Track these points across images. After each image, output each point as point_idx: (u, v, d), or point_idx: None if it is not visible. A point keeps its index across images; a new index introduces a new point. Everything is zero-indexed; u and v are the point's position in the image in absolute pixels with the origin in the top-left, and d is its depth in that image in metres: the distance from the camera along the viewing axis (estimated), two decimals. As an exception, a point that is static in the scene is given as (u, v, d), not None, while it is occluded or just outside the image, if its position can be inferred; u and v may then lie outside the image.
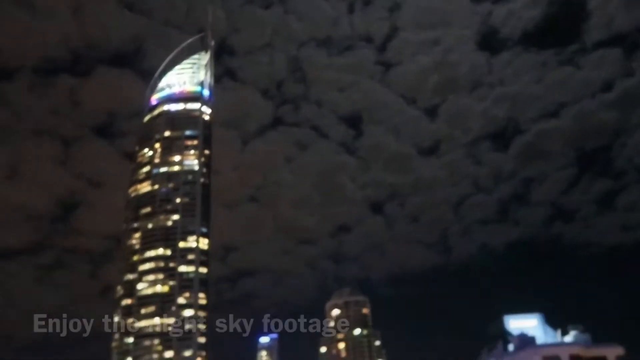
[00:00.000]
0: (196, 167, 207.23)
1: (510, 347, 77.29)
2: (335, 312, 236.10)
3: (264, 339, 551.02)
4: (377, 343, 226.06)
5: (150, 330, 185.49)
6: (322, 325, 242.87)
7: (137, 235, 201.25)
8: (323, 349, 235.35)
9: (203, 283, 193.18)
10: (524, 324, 79.94)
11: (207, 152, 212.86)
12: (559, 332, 78.00)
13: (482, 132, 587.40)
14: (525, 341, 74.93)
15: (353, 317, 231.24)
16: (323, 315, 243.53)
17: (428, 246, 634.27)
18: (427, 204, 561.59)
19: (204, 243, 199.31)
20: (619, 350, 69.42)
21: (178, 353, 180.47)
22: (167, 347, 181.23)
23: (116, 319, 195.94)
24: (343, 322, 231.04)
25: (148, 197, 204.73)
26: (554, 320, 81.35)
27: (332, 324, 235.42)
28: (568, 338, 75.16)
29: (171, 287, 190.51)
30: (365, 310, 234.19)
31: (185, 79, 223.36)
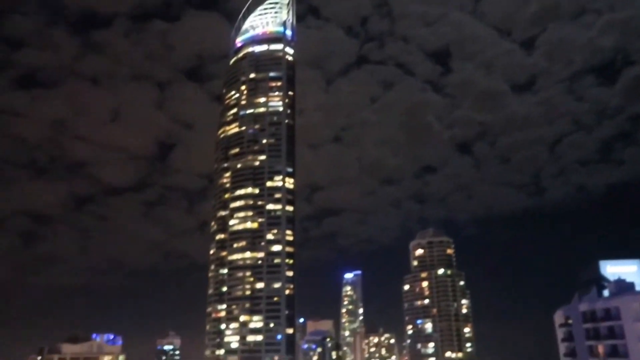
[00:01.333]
0: (281, 108, 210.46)
1: (606, 292, 73.28)
2: (419, 251, 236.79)
3: (349, 275, 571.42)
4: (461, 283, 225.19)
5: (242, 263, 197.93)
6: (405, 264, 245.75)
7: (227, 174, 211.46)
8: (406, 287, 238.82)
9: (290, 220, 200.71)
10: (622, 269, 75.37)
11: (291, 93, 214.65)
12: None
13: (586, 65, 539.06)
14: (623, 287, 70.62)
15: (437, 257, 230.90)
16: (406, 254, 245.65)
17: (519, 188, 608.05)
18: (520, 143, 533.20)
19: (289, 182, 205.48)
20: None
21: (268, 284, 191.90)
22: (258, 279, 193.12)
23: (211, 251, 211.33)
24: (426, 262, 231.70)
25: (236, 138, 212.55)
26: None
27: (415, 263, 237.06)
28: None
29: (260, 224, 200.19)
30: (449, 251, 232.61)
31: (268, 19, 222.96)
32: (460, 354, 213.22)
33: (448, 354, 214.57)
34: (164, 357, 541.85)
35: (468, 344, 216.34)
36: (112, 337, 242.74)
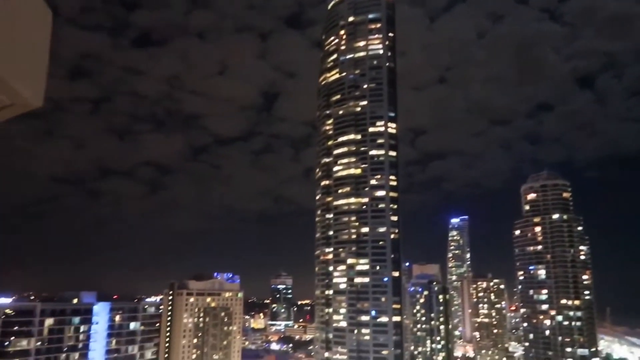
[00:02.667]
0: (381, 52, 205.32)
1: None
2: (531, 196, 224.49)
3: (455, 220, 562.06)
4: (579, 229, 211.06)
5: (346, 208, 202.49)
6: (515, 209, 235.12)
7: (330, 121, 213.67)
8: (517, 232, 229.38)
9: (393, 166, 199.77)
10: None
11: (391, 34, 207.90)
12: None
13: None
14: None
15: (551, 201, 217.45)
16: (517, 198, 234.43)
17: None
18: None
19: (392, 127, 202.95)
20: None
21: (373, 229, 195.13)
22: (362, 223, 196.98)
23: (317, 197, 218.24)
24: (540, 207, 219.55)
25: (337, 85, 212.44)
26: None
27: (527, 207, 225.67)
28: None
29: (363, 170, 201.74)
30: (565, 195, 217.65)
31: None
32: (577, 302, 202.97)
33: (563, 301, 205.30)
34: (277, 295, 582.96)
35: (586, 292, 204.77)
36: (231, 275, 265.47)
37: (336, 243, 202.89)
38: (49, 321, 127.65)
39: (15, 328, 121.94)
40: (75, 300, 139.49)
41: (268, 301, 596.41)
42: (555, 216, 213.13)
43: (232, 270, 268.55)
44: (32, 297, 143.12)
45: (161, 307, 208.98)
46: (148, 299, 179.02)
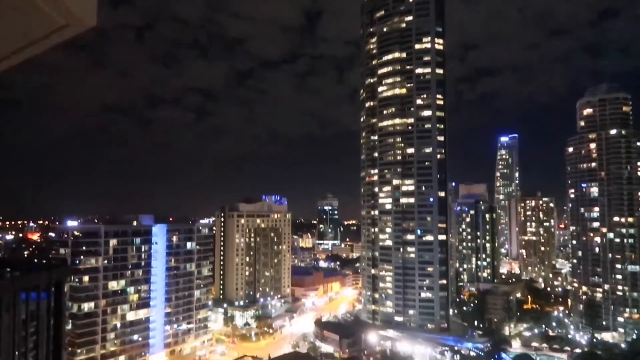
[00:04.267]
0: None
1: None
2: (588, 111, 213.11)
3: (504, 138, 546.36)
4: (638, 144, 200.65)
5: (392, 129, 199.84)
6: (569, 126, 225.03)
7: (374, 39, 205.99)
8: (570, 149, 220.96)
9: (439, 84, 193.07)
10: None
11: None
12: None
13: None
14: None
15: (609, 116, 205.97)
16: (572, 115, 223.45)
17: None
18: None
19: (439, 43, 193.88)
20: None
21: (418, 150, 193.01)
22: (408, 144, 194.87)
23: (362, 119, 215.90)
24: (596, 122, 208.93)
25: (381, 0, 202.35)
26: None
27: (582, 123, 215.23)
28: None
29: (409, 89, 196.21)
30: (625, 108, 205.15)
31: None
32: (630, 219, 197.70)
33: (616, 218, 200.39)
34: (324, 216, 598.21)
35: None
36: (278, 198, 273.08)
37: (381, 164, 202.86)
38: (113, 242, 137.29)
39: (84, 248, 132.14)
40: (134, 223, 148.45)
41: (315, 222, 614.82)
42: (613, 132, 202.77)
43: (279, 193, 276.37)
44: (96, 221, 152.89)
45: (214, 228, 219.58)
46: (202, 221, 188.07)
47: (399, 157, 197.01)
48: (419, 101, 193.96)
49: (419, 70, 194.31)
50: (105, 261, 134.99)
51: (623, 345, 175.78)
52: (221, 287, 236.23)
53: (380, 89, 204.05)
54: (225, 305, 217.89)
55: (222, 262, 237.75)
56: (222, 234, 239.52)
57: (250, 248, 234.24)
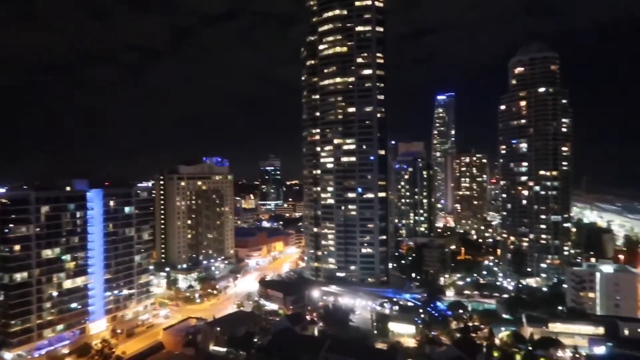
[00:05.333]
0: None
1: None
2: (519, 69, 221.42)
3: (441, 97, 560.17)
4: (563, 101, 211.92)
5: (333, 88, 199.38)
6: (503, 85, 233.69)
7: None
8: (502, 107, 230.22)
9: (380, 42, 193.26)
10: None
11: None
12: None
13: None
14: None
15: (539, 74, 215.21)
16: (506, 73, 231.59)
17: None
18: None
19: (379, 1, 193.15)
20: None
21: (360, 109, 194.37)
22: (349, 103, 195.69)
23: (303, 77, 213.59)
24: (527, 80, 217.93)
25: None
26: None
27: (514, 82, 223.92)
28: None
29: (349, 47, 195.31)
30: (553, 67, 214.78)
31: None
32: (554, 173, 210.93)
33: (542, 172, 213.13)
34: (266, 177, 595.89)
35: (564, 163, 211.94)
36: (220, 159, 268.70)
37: (323, 124, 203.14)
38: (44, 208, 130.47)
39: (13, 216, 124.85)
40: (68, 188, 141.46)
41: (258, 183, 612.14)
42: (541, 90, 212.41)
43: (221, 155, 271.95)
44: (25, 187, 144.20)
45: (154, 192, 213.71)
46: (140, 184, 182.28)
47: (340, 116, 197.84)
48: (359, 60, 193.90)
49: (359, 28, 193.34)
50: (38, 229, 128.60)
51: (545, 289, 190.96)
52: (163, 251, 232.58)
53: (321, 47, 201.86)
54: (167, 269, 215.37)
55: (163, 226, 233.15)
56: (162, 197, 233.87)
57: (191, 211, 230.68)
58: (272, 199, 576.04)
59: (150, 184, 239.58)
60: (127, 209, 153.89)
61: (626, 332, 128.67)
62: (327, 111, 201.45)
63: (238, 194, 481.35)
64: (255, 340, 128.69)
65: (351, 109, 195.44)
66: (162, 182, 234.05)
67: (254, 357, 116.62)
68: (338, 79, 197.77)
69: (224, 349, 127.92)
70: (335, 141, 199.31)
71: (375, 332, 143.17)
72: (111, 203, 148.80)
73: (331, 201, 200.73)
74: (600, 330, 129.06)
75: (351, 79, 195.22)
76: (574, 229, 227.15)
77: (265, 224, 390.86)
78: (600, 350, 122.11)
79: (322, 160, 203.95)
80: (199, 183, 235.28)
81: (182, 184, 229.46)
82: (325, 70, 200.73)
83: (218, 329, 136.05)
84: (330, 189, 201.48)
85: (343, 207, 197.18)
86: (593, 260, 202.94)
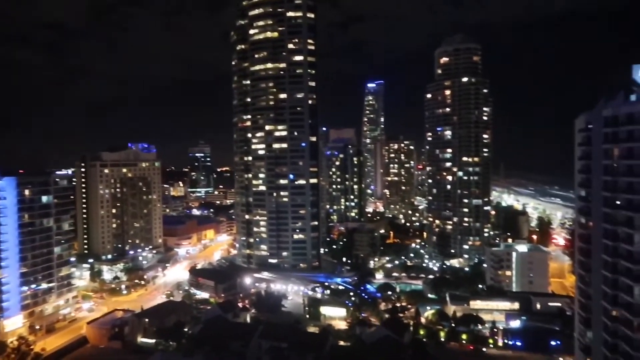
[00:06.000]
0: None
1: (633, 97, 71.84)
2: (444, 59, 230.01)
3: (371, 84, 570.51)
4: (484, 91, 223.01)
5: (264, 73, 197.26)
6: (430, 74, 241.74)
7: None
8: (428, 95, 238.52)
9: (311, 29, 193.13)
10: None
11: None
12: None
13: None
14: (653, 91, 68.91)
15: (462, 64, 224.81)
16: (432, 63, 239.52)
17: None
18: None
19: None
20: None
21: (291, 95, 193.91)
22: (280, 89, 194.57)
23: (233, 62, 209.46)
24: (451, 70, 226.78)
25: None
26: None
27: (439, 71, 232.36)
28: None
29: (280, 33, 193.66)
30: (475, 58, 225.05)
31: None
32: (476, 159, 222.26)
33: (465, 158, 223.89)
34: (196, 163, 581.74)
35: (485, 150, 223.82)
36: (146, 145, 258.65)
37: (254, 110, 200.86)
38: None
39: None
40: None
41: (187, 170, 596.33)
42: (464, 79, 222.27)
43: (147, 141, 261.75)
44: None
45: (74, 180, 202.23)
46: (59, 172, 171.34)
47: (271, 102, 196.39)
48: (290, 45, 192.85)
49: (290, 14, 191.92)
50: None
51: (467, 269, 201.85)
52: (85, 241, 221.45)
53: (251, 31, 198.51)
54: (91, 260, 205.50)
55: (85, 216, 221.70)
56: (83, 185, 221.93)
57: (116, 199, 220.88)
58: (202, 186, 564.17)
59: (70, 171, 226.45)
60: (44, 198, 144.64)
61: (538, 306, 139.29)
62: (258, 97, 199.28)
63: (166, 182, 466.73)
64: (186, 329, 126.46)
65: (282, 95, 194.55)
66: (83, 170, 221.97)
67: (184, 347, 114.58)
68: (269, 65, 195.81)
69: (153, 340, 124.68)
70: (267, 127, 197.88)
71: (308, 316, 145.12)
72: (26, 192, 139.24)
73: (263, 188, 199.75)
74: (516, 305, 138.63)
75: (282, 65, 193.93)
76: (493, 212, 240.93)
77: (196, 212, 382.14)
78: (515, 323, 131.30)
79: (253, 146, 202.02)
80: (124, 170, 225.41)
81: (106, 171, 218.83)
82: (256, 56, 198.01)
83: (146, 320, 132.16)
84: (261, 175, 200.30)
85: (275, 194, 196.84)
86: (510, 241, 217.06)
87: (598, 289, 75.59)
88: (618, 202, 70.76)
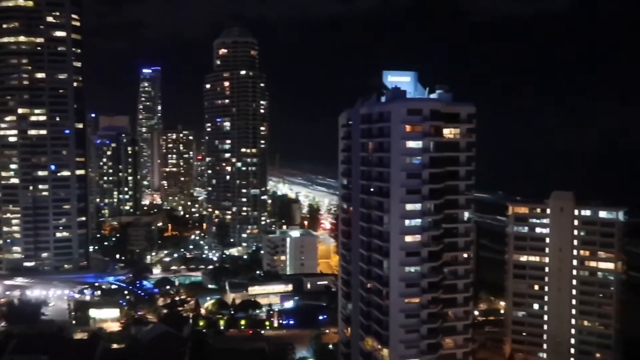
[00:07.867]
0: None
1: (383, 99, 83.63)
2: (223, 51, 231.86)
3: (147, 70, 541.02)
4: (261, 85, 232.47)
5: (15, 47, 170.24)
6: (208, 63, 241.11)
7: None
8: (208, 86, 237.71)
9: (75, 3, 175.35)
10: (399, 79, 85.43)
11: None
12: (427, 90, 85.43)
13: None
14: (397, 94, 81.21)
15: (240, 57, 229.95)
16: (211, 52, 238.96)
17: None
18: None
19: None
20: (470, 109, 78.96)
21: (51, 75, 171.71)
22: (37, 68, 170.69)
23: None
24: (230, 62, 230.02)
25: None
26: (427, 81, 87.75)
27: (218, 62, 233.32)
28: (433, 95, 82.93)
29: (37, 3, 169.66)
30: (253, 53, 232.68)
31: None
32: (254, 150, 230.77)
33: (243, 149, 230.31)
34: None
35: (262, 141, 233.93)
36: None
37: (3, 89, 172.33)
38: None
39: None
40: None
41: None
42: (243, 72, 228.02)
43: None
44: None
45: None
46: None
47: (25, 82, 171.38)
48: (50, 19, 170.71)
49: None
50: None
51: (245, 257, 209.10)
52: None
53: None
54: None
55: None
56: None
57: None
58: None
59: None
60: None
61: (309, 286, 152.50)
62: (8, 74, 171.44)
63: None
64: None
65: (40, 75, 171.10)
66: None
67: None
68: (22, 38, 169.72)
69: None
70: (20, 111, 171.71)
71: (74, 322, 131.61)
72: None
73: (15, 180, 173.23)
74: (289, 287, 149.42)
75: (39, 40, 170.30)
76: (269, 201, 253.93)
77: None
78: (289, 304, 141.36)
79: (2, 132, 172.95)
80: None
81: None
82: (5, 26, 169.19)
83: None
84: (13, 166, 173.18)
85: (32, 187, 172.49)
86: (284, 227, 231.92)
87: (357, 266, 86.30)
88: (372, 189, 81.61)
